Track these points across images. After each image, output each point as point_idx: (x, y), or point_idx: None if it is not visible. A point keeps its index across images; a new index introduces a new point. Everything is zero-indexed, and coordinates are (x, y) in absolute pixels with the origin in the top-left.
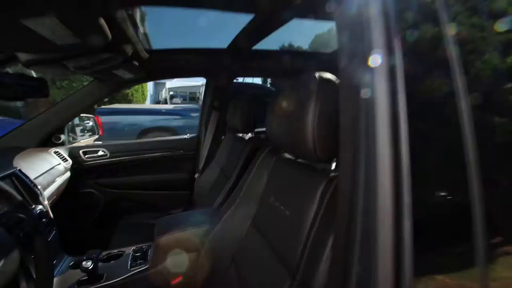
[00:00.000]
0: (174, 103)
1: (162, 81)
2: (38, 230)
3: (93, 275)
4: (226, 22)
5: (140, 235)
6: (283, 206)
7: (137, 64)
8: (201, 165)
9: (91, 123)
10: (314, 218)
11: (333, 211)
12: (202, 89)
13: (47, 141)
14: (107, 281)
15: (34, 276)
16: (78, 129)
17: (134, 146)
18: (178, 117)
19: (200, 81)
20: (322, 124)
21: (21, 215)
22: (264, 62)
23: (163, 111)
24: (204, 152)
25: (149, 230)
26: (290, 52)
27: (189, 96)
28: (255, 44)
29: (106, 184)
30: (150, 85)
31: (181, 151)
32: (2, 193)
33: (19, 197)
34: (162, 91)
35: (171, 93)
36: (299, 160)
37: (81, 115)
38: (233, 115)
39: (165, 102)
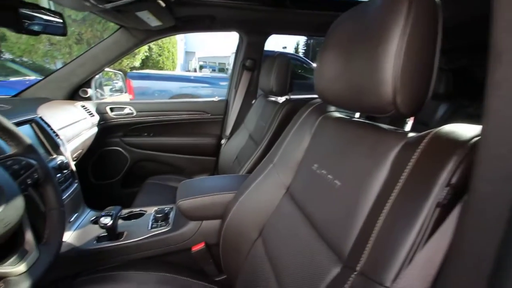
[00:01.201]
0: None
1: (192, 50)
2: (51, 178)
3: (113, 232)
4: None
5: (163, 197)
6: (332, 175)
7: (163, 4)
8: (228, 131)
9: (119, 83)
10: (382, 194)
11: (422, 187)
12: (231, 60)
13: (74, 95)
14: (126, 240)
15: (45, 226)
16: (106, 88)
17: (161, 106)
18: (206, 85)
19: (229, 52)
20: (412, 62)
21: (30, 160)
22: (307, 14)
23: (192, 78)
24: (233, 117)
25: (172, 193)
26: (342, 1)
27: (218, 67)
28: None
29: (131, 144)
30: (180, 54)
31: (209, 115)
32: (7, 132)
33: (28, 140)
34: (192, 60)
35: (201, 63)
36: (355, 118)
37: (109, 71)
38: (267, 75)
39: (195, 72)
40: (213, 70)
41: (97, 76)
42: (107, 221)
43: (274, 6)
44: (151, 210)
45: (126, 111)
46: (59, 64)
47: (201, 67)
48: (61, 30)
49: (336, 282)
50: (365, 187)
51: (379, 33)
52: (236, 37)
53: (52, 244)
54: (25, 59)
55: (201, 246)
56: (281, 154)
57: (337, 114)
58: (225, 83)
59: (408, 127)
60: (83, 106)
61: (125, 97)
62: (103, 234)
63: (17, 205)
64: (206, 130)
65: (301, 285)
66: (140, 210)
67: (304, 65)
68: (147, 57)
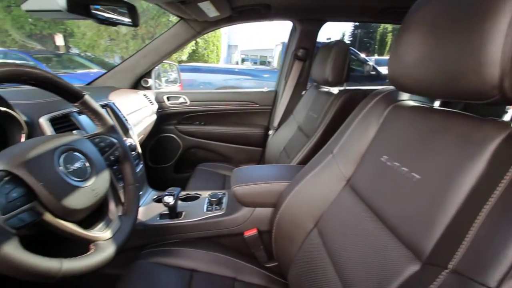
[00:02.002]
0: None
1: (235, 43)
2: (129, 157)
3: (174, 211)
4: None
5: (214, 183)
6: (407, 167)
7: None
8: (276, 122)
9: (174, 74)
10: (480, 188)
11: None
12: (274, 52)
13: (137, 84)
14: (185, 219)
15: (122, 200)
16: (163, 79)
17: (212, 96)
18: (249, 77)
19: (271, 45)
20: None
21: (112, 139)
22: None
23: (237, 70)
24: (281, 108)
25: (221, 180)
26: None
27: (260, 60)
28: None
29: (184, 131)
30: (224, 47)
31: (257, 105)
32: (95, 113)
33: (111, 121)
34: (234, 53)
35: (243, 56)
36: (436, 107)
37: (165, 62)
38: (322, 64)
39: (237, 65)
40: (255, 63)
41: (156, 67)
42: (170, 200)
43: None
44: (205, 194)
45: (181, 100)
46: (117, 58)
47: (243, 60)
48: (134, 21)
49: (417, 279)
50: (455, 181)
51: (484, 8)
52: (280, 29)
53: (130, 216)
54: (88, 53)
55: (253, 232)
56: (341, 145)
57: (412, 103)
58: (267, 75)
59: (508, 116)
60: (145, 95)
61: (177, 88)
62: (164, 212)
63: (105, 177)
64: (254, 120)
65: (366, 280)
66: (196, 193)
67: (352, 56)
68: (193, 51)
